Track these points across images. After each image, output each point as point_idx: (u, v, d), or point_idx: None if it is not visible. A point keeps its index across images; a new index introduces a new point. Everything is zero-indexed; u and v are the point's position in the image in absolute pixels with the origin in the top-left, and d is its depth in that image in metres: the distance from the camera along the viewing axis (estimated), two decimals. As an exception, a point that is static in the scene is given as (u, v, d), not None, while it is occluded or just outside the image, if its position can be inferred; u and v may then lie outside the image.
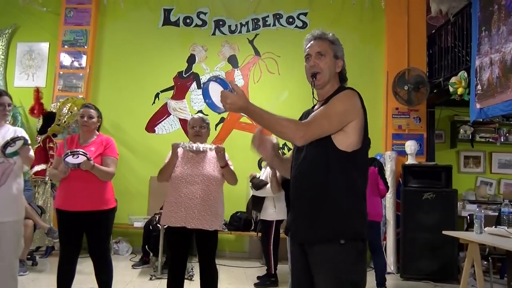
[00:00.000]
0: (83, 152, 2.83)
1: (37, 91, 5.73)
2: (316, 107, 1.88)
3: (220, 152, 3.03)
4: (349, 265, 1.61)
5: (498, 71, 4.04)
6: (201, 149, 3.06)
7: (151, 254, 4.88)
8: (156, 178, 3.17)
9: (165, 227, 3.80)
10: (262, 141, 1.79)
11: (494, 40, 4.16)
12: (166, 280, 3.07)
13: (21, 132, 2.89)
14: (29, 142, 2.89)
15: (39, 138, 5.44)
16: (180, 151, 3.17)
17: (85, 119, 3.06)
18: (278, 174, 3.02)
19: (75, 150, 2.85)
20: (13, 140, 2.70)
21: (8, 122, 5.23)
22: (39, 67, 6.36)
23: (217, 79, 2.38)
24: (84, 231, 3.01)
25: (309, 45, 1.87)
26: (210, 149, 3.07)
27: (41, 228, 4.68)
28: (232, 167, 3.17)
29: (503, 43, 3.99)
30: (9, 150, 2.70)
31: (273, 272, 4.39)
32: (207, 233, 3.01)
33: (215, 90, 2.14)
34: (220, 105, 1.68)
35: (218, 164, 3.11)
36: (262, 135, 1.80)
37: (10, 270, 2.79)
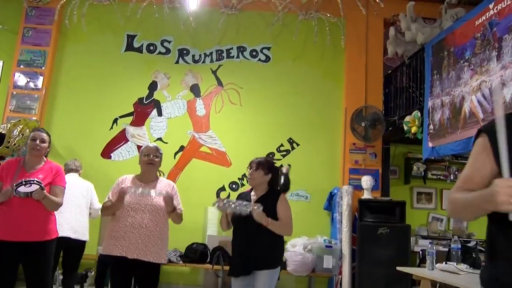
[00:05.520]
0: (37, 181, 2.70)
1: (-14, 111, 5.46)
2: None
3: (168, 200, 2.93)
4: None
5: (449, 112, 4.27)
6: (151, 195, 2.94)
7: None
8: (100, 211, 3.06)
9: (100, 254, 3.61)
10: None
11: (444, 84, 4.41)
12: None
13: None
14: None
15: (-15, 160, 5.14)
16: (128, 179, 3.09)
17: (37, 142, 2.92)
18: (229, 211, 2.94)
19: (30, 179, 2.71)
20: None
21: None
22: (-10, 86, 6.08)
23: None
24: (22, 263, 2.81)
25: None
26: (160, 193, 2.95)
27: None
28: (180, 210, 3.07)
29: (453, 87, 4.23)
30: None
31: None
32: (150, 266, 2.89)
33: None
34: None
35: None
36: None
37: None
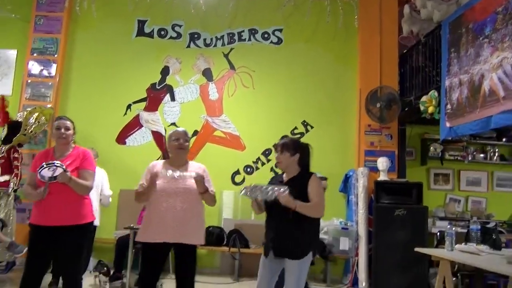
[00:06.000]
0: (59, 164, 2.74)
1: (2, 99, 5.52)
2: None
3: (199, 181, 2.91)
4: None
5: (467, 91, 4.16)
6: (185, 175, 2.92)
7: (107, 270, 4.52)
8: (134, 198, 3.03)
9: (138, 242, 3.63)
10: None
11: (462, 62, 4.28)
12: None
13: None
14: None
15: (3, 148, 5.22)
16: (159, 164, 3.09)
17: (62, 130, 2.99)
18: (259, 198, 2.83)
19: (51, 162, 2.76)
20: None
21: None
22: (5, 74, 6.14)
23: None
24: (57, 246, 2.88)
25: None
26: (190, 176, 2.92)
27: (1, 242, 4.44)
28: (213, 191, 3.06)
29: (471, 65, 4.11)
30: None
31: None
32: (187, 247, 2.92)
33: None
34: None
35: None
36: None
37: None
